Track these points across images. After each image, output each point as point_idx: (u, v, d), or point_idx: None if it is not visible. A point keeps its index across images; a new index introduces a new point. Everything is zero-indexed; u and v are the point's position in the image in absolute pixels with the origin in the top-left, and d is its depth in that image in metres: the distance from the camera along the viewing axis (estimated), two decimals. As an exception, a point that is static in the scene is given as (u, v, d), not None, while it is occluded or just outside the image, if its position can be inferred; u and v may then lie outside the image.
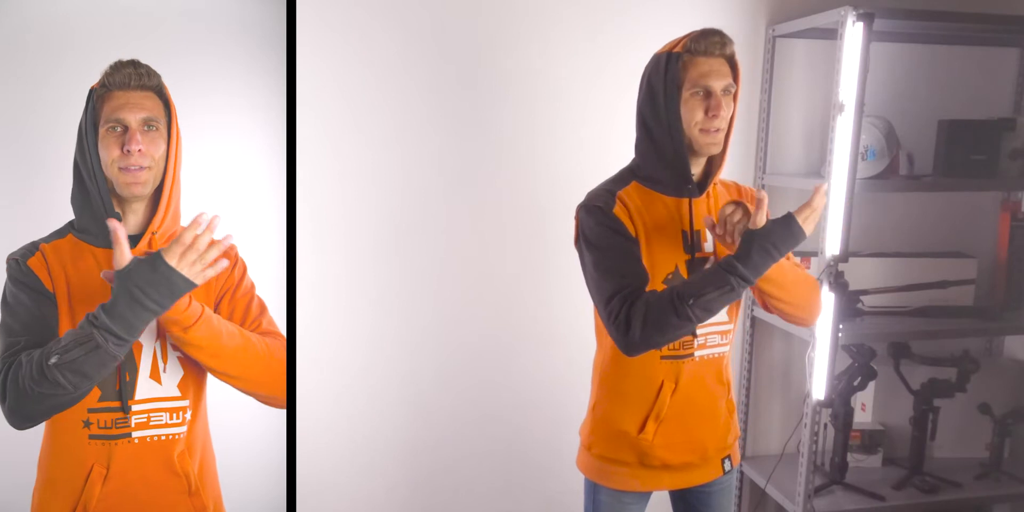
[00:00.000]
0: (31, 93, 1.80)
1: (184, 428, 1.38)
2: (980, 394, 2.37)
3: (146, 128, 1.33)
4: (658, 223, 1.54)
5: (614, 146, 2.27)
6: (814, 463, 2.16)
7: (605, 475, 1.64)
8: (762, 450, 2.54)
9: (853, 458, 2.36)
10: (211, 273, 1.21)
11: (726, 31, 1.52)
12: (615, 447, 1.62)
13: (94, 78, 1.35)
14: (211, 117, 1.90)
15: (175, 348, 1.37)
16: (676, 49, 1.50)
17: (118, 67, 1.34)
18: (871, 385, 2.30)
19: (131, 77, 1.33)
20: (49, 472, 1.36)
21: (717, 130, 1.49)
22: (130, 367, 1.33)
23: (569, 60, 2.21)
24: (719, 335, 1.60)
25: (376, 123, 2.14)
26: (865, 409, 2.43)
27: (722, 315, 1.57)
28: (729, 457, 1.68)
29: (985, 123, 2.28)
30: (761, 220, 1.41)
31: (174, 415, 1.37)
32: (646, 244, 1.52)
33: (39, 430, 1.35)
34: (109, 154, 1.31)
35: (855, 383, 2.25)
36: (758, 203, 1.40)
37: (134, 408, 1.33)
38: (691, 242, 1.55)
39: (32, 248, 1.36)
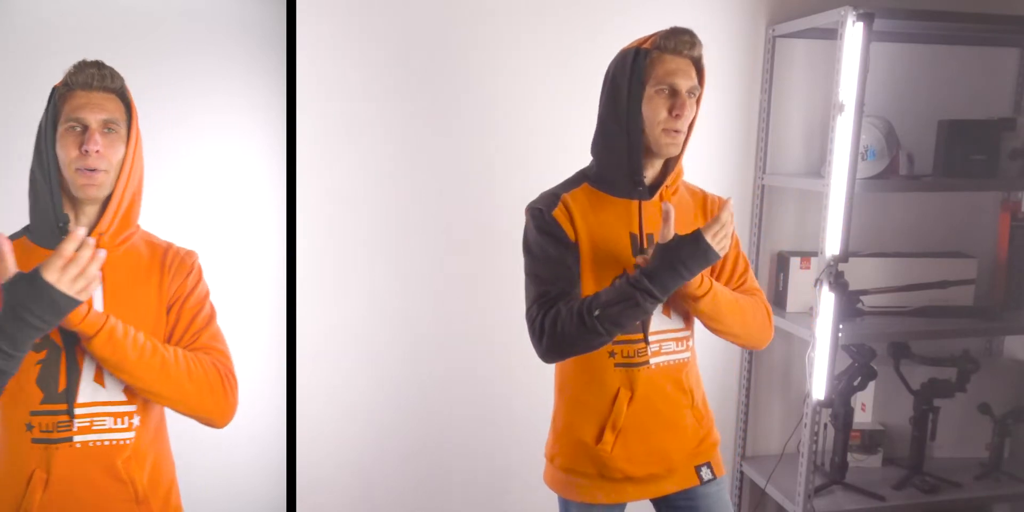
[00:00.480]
0: (31, 93, 1.80)
1: (131, 434, 1.33)
2: (980, 394, 2.37)
3: (106, 130, 1.31)
4: (605, 225, 1.50)
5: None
6: (814, 463, 2.16)
7: (570, 488, 1.60)
8: (762, 450, 2.54)
9: (853, 458, 2.36)
10: (94, 290, 1.17)
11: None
12: (576, 458, 1.57)
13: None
14: (211, 117, 1.90)
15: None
16: (644, 45, 1.47)
17: (82, 67, 1.33)
18: (871, 385, 2.30)
19: (94, 77, 1.32)
20: None
21: (678, 131, 1.46)
22: (73, 370, 1.30)
23: (570, 60, 2.21)
24: (674, 342, 1.55)
25: (376, 123, 2.14)
26: (865, 409, 2.43)
27: (677, 321, 1.55)
28: (708, 465, 1.61)
29: (985, 123, 2.28)
30: (668, 234, 1.37)
31: (119, 420, 1.32)
32: (591, 247, 1.49)
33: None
34: (67, 154, 1.30)
35: (855, 383, 2.25)
36: (664, 216, 1.37)
37: (78, 411, 1.30)
38: (640, 245, 1.50)
39: None
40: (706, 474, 1.60)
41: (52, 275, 1.13)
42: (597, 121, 1.55)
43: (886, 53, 2.35)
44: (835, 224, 2.01)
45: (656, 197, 1.53)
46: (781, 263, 2.39)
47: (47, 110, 1.33)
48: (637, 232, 1.51)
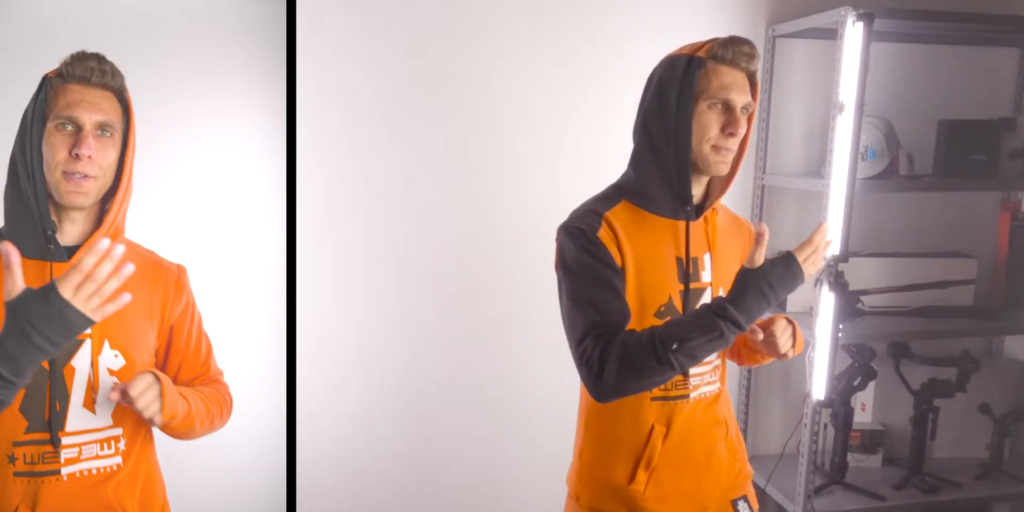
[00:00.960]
0: (29, 94, 1.80)
1: (118, 458, 1.24)
2: (980, 394, 2.37)
3: (100, 132, 1.19)
4: (650, 248, 1.37)
5: (615, 147, 2.28)
6: (814, 463, 2.16)
7: None
8: (762, 450, 2.54)
9: (853, 458, 2.36)
10: (111, 309, 1.03)
11: (726, 31, 1.50)
12: (604, 498, 1.44)
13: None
14: (211, 117, 1.90)
15: (111, 372, 1.24)
16: (699, 53, 1.33)
17: (80, 58, 1.20)
18: (871, 385, 2.30)
19: (93, 72, 1.20)
20: None
21: (729, 150, 1.34)
22: (61, 395, 1.18)
23: (570, 61, 2.21)
24: (712, 372, 1.45)
25: (376, 123, 2.14)
26: (865, 409, 2.43)
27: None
28: (745, 498, 1.51)
29: (985, 123, 2.28)
30: (760, 257, 1.25)
31: (106, 445, 1.23)
32: (636, 272, 1.35)
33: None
34: (54, 155, 1.17)
35: (855, 383, 2.25)
36: (757, 238, 1.25)
37: (65, 441, 1.19)
38: (687, 270, 1.38)
39: None
40: (743, 509, 1.50)
41: (68, 291, 1.00)
42: (639, 131, 1.41)
43: (886, 53, 2.35)
44: (835, 224, 2.01)
45: (700, 218, 1.42)
46: (781, 263, 2.38)
47: (35, 100, 1.20)
48: (683, 256, 1.38)
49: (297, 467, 2.12)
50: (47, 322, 1.00)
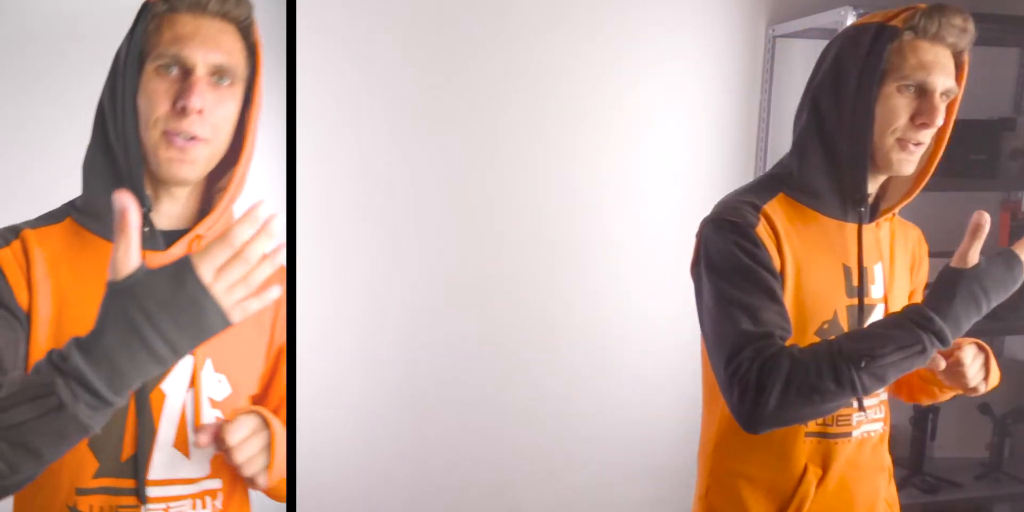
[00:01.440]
0: (30, 94, 1.80)
1: None
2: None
3: (216, 79, 0.91)
4: (813, 252, 1.15)
5: (616, 147, 2.28)
6: (814, 463, 2.16)
7: None
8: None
9: (853, 458, 2.36)
10: (256, 306, 0.74)
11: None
12: None
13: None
14: (211, 117, 1.90)
15: (213, 403, 0.94)
16: (893, 22, 1.10)
17: None
18: (871, 385, 2.30)
19: None
20: None
21: (919, 144, 1.12)
22: (146, 429, 0.89)
23: (569, 60, 2.21)
24: (877, 407, 1.23)
25: (376, 122, 2.14)
26: (865, 409, 2.43)
27: None
28: None
29: (985, 123, 2.27)
30: (974, 256, 1.02)
31: (199, 503, 0.93)
32: (795, 280, 1.13)
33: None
34: (153, 107, 0.88)
35: (855, 383, 2.24)
36: (973, 230, 1.03)
37: (151, 492, 0.89)
38: (858, 282, 1.16)
39: (6, 235, 0.91)
40: None
41: (209, 271, 0.70)
42: (806, 113, 1.20)
43: (886, 53, 2.35)
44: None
45: (874, 223, 1.21)
46: (781, 263, 2.38)
47: (131, 35, 0.93)
48: (854, 264, 1.17)
49: (297, 467, 2.12)
50: (173, 313, 0.70)
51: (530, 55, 2.20)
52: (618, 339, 2.34)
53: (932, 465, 2.38)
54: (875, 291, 1.20)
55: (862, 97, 1.10)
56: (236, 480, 0.97)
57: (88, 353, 0.70)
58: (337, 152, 2.13)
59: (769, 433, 1.07)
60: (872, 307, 1.19)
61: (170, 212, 0.96)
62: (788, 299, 1.12)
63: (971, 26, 1.11)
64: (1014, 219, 2.42)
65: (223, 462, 0.92)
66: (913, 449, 2.33)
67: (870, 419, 1.21)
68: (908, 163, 1.14)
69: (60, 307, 0.89)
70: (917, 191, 1.20)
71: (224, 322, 0.73)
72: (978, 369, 1.15)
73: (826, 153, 1.16)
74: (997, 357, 2.41)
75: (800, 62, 2.36)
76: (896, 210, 1.21)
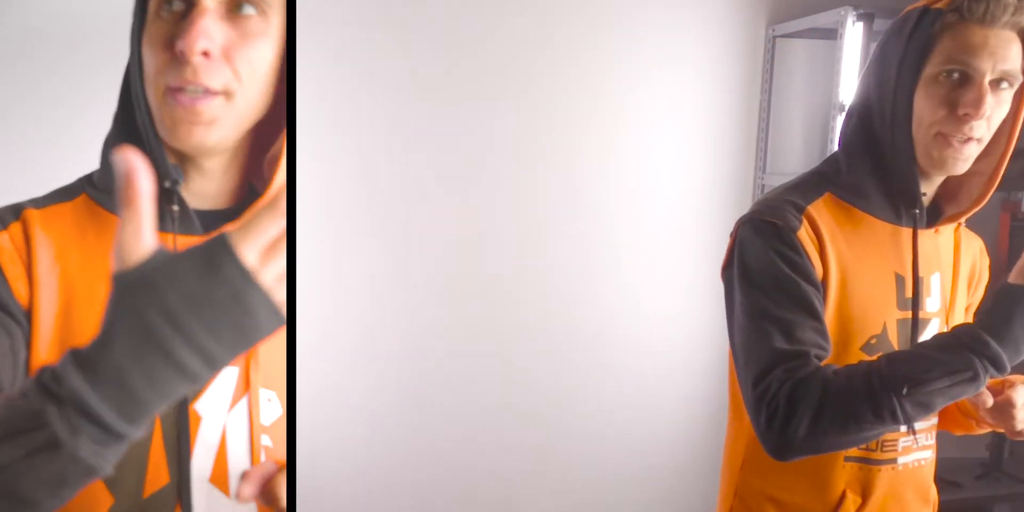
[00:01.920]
0: (30, 95, 1.80)
1: None
2: (980, 394, 2.37)
3: (234, 9, 0.70)
4: (863, 259, 1.03)
5: (616, 146, 2.28)
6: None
7: None
8: (762, 450, 2.53)
9: (853, 458, 2.35)
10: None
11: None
12: None
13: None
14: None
15: (263, 429, 0.77)
16: (937, 5, 0.97)
17: None
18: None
19: None
20: None
21: (967, 140, 0.97)
22: (181, 459, 0.71)
23: (569, 61, 2.21)
24: (928, 432, 1.13)
25: (376, 122, 2.14)
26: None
27: None
28: None
29: (985, 123, 2.27)
30: None
31: None
32: (840, 289, 1.02)
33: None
34: (154, 57, 0.72)
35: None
36: None
37: None
38: (912, 292, 1.04)
39: (5, 216, 0.75)
40: None
41: (254, 253, 0.52)
42: (855, 104, 1.10)
43: (886, 53, 2.35)
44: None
45: (933, 229, 1.08)
46: (781, 263, 2.38)
47: None
48: (907, 273, 1.05)
49: (297, 467, 2.12)
50: (206, 309, 0.51)
51: (530, 55, 2.20)
52: (620, 339, 2.33)
53: (932, 465, 2.38)
54: (931, 304, 1.08)
55: (902, 85, 0.98)
56: None
57: (90, 370, 0.51)
58: (337, 152, 2.13)
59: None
60: (927, 322, 1.07)
61: (201, 189, 0.75)
62: (831, 311, 1.02)
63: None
64: (1014, 219, 2.42)
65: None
66: (913, 449, 2.34)
67: (920, 446, 1.10)
68: (956, 161, 0.99)
69: (68, 303, 0.72)
70: (987, 197, 1.05)
71: (276, 320, 0.54)
72: None
73: (871, 148, 1.04)
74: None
75: (800, 62, 2.36)
76: (963, 218, 1.08)
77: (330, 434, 2.22)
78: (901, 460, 1.08)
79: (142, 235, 0.53)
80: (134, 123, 0.74)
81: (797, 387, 0.90)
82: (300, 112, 2.07)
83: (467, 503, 2.35)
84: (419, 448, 2.30)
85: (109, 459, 0.53)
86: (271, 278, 0.53)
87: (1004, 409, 1.00)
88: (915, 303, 1.04)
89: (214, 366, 0.53)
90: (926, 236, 1.07)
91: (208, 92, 0.69)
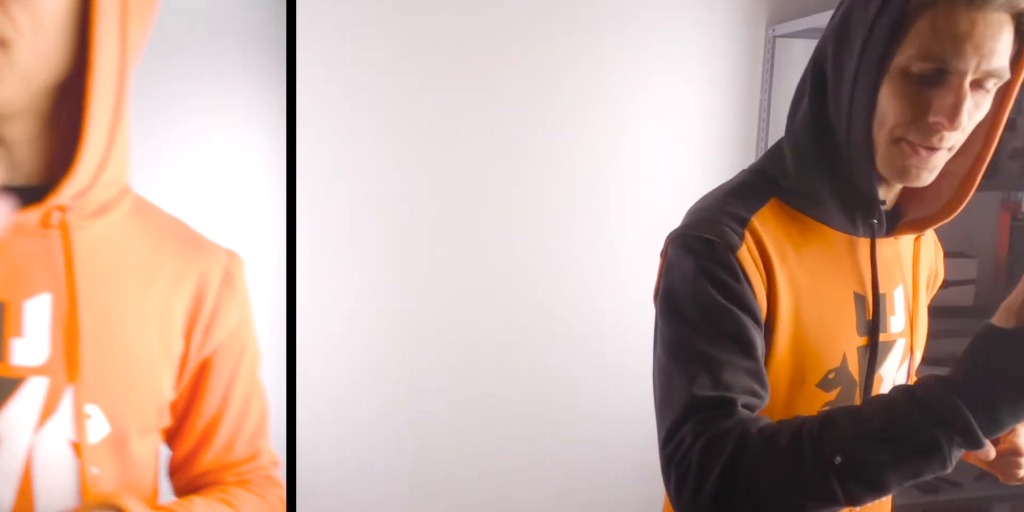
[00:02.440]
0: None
1: None
2: (980, 394, 2.37)
3: None
4: (818, 277, 0.87)
5: (615, 146, 2.28)
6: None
7: None
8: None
9: (853, 458, 2.35)
10: None
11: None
12: None
13: None
14: (211, 118, 1.90)
15: (76, 450, 0.65)
16: None
17: None
18: (871, 385, 2.29)
19: None
20: None
21: (933, 149, 0.80)
22: None
23: (568, 60, 2.21)
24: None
25: (377, 123, 2.14)
26: (865, 409, 2.42)
27: None
28: None
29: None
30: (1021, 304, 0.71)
31: None
32: (792, 316, 0.85)
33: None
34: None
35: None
36: None
37: None
38: (872, 313, 0.88)
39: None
40: None
41: None
42: (800, 92, 0.95)
43: (886, 53, 2.35)
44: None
45: (894, 236, 0.92)
46: (781, 263, 2.38)
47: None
48: (866, 291, 0.88)
49: (297, 467, 2.12)
50: None
51: (529, 56, 2.20)
52: (620, 340, 2.33)
53: (932, 465, 2.38)
54: (895, 324, 0.91)
55: (864, 73, 0.79)
56: None
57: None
58: (337, 152, 2.13)
59: None
60: (890, 344, 0.91)
61: (6, 161, 0.67)
62: (781, 344, 0.85)
63: None
64: (1014, 219, 2.42)
65: None
66: (913, 449, 2.33)
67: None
68: (920, 171, 0.81)
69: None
70: (962, 204, 0.87)
71: None
72: None
73: (822, 141, 0.86)
74: None
75: (800, 62, 2.36)
76: (931, 228, 0.90)
77: (329, 435, 2.22)
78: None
79: None
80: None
81: (711, 444, 0.72)
82: (300, 113, 2.07)
83: (467, 504, 2.35)
84: (419, 450, 2.30)
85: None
86: None
87: (1007, 459, 0.87)
88: (874, 325, 0.88)
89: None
90: (885, 244, 0.91)
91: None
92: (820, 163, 0.87)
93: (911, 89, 0.78)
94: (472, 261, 2.25)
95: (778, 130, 2.38)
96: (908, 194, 0.93)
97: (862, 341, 0.89)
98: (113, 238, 0.69)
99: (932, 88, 0.77)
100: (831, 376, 0.87)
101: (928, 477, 0.71)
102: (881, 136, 0.81)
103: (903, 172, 0.82)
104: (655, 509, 2.41)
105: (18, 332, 0.59)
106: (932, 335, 2.27)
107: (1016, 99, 1.72)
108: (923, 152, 0.80)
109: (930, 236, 1.04)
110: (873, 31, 0.77)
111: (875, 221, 0.87)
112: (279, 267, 1.99)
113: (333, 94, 2.10)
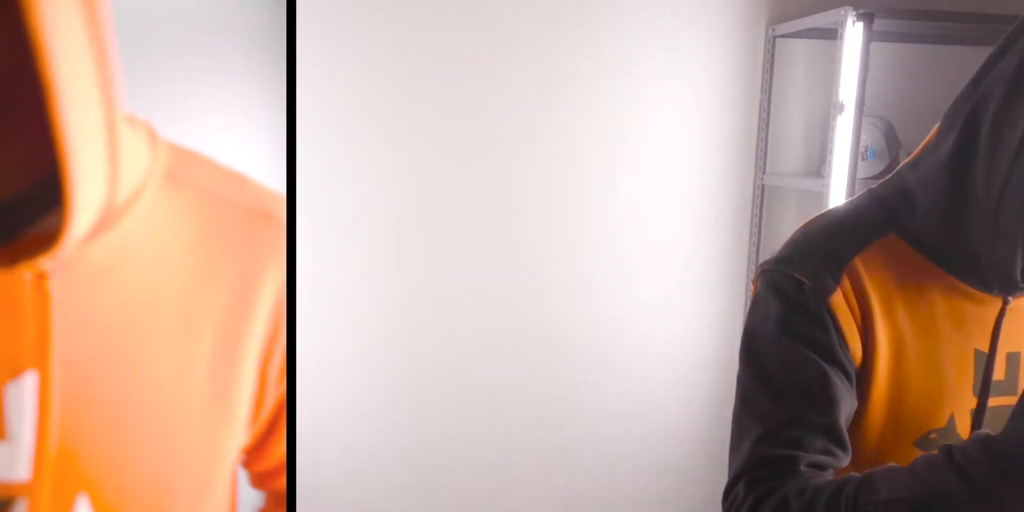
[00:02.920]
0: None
1: None
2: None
3: None
4: (931, 327, 0.78)
5: (615, 146, 2.28)
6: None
7: None
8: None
9: (853, 458, 2.34)
10: None
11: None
12: None
13: None
14: (211, 118, 1.90)
15: None
16: None
17: None
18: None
19: None
20: None
21: None
22: None
23: (569, 60, 2.21)
24: None
25: (377, 123, 2.14)
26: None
27: None
28: None
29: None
30: None
31: None
32: (891, 368, 0.78)
33: None
34: None
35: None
36: None
37: None
38: (988, 375, 0.80)
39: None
40: None
41: None
42: (949, 145, 0.75)
43: (886, 53, 2.35)
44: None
45: None
46: (781, 263, 2.38)
47: None
48: (989, 349, 0.80)
49: (297, 467, 2.12)
50: None
51: (530, 56, 2.20)
52: (621, 340, 2.34)
53: (932, 465, 2.38)
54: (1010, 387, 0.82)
55: (1009, 133, 0.68)
56: None
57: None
58: (337, 152, 2.13)
59: None
60: (1005, 412, 0.80)
61: None
62: (878, 396, 0.78)
63: None
64: None
65: None
66: (913, 449, 2.33)
67: None
68: None
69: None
70: None
71: None
72: None
73: (963, 202, 0.74)
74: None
75: (800, 62, 2.36)
76: None
77: (329, 434, 2.22)
78: None
79: None
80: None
81: (757, 504, 0.71)
82: (300, 113, 2.07)
83: (467, 504, 2.35)
84: (418, 449, 2.30)
85: None
86: None
87: None
88: (985, 386, 0.79)
89: None
90: (1019, 305, 0.80)
91: None
92: (957, 223, 0.75)
93: None
94: (472, 261, 2.25)
95: (778, 130, 2.38)
96: None
97: (974, 403, 0.80)
98: (127, 267, 0.44)
99: None
100: (932, 436, 0.80)
101: None
102: None
103: None
104: (656, 509, 2.42)
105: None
106: None
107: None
108: None
109: None
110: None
111: (1008, 283, 0.77)
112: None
113: (333, 94, 2.10)
